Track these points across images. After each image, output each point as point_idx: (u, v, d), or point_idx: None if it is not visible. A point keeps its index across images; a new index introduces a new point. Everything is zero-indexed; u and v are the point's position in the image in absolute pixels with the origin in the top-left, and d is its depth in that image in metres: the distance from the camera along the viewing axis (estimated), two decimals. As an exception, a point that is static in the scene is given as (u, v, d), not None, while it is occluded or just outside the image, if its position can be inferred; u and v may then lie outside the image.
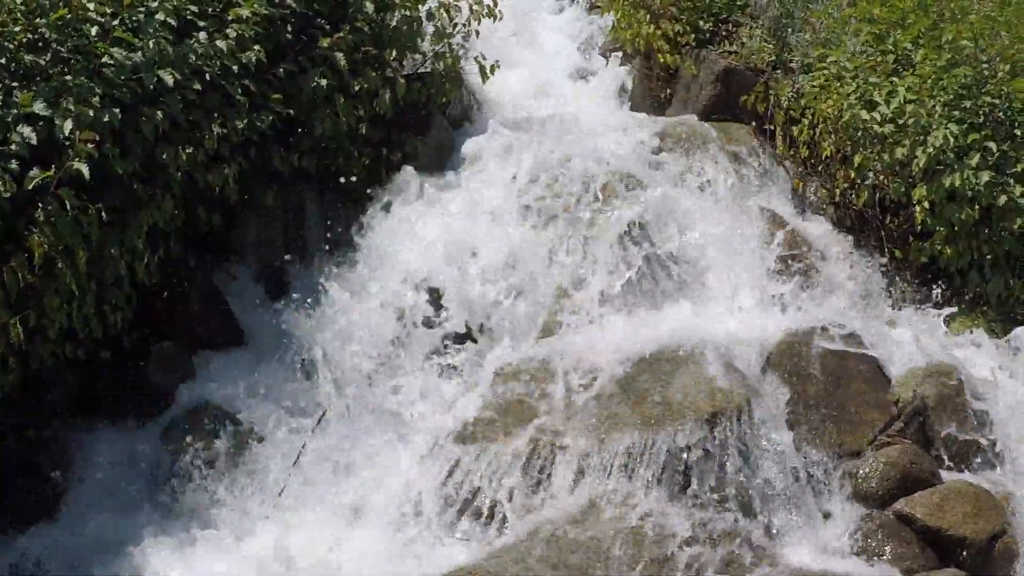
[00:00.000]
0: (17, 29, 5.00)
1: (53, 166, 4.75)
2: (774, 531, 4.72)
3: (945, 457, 5.24)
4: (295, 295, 5.76)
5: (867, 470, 4.97)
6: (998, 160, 6.14)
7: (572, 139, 6.46)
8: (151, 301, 5.49)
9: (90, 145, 4.78)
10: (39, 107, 4.80)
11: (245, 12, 5.70)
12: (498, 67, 6.89)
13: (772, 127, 6.90)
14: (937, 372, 5.38)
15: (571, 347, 5.27)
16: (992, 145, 6.13)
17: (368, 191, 6.22)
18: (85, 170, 4.76)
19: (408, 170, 6.25)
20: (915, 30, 6.64)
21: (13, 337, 4.66)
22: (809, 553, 4.69)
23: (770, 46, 7.25)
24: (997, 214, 6.11)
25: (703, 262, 6.00)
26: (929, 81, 6.37)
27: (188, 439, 5.16)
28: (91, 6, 5.22)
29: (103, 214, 4.93)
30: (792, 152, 6.82)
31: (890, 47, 6.71)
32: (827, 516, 4.84)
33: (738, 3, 7.62)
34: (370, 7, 6.34)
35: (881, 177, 6.40)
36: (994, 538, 4.85)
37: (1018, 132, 6.26)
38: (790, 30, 7.32)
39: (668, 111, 7.55)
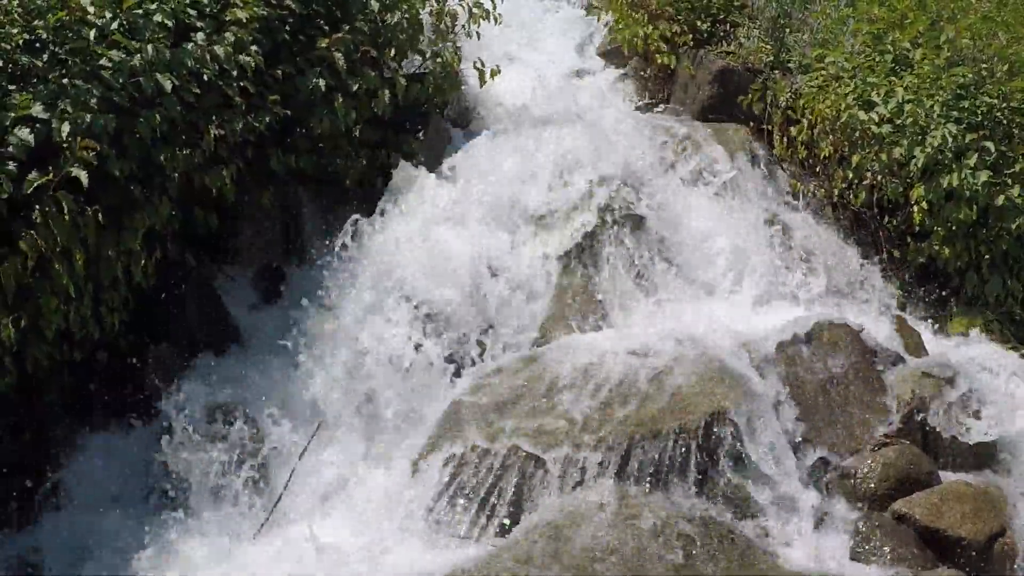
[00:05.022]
0: (15, 31, 4.99)
1: (50, 168, 4.75)
2: (772, 532, 4.71)
3: (943, 457, 5.24)
4: (292, 296, 5.75)
5: (865, 470, 4.97)
6: (996, 160, 6.15)
7: (570, 138, 6.45)
8: (148, 303, 5.47)
9: (91, 153, 4.78)
10: (37, 110, 4.80)
11: (243, 15, 5.69)
12: (498, 72, 6.89)
13: (770, 127, 6.90)
14: (935, 372, 5.39)
15: (569, 346, 5.27)
16: (990, 145, 6.13)
17: (365, 192, 6.22)
18: (83, 177, 4.76)
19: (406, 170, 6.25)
20: (913, 30, 6.64)
21: (8, 338, 4.65)
22: (807, 554, 4.68)
23: (768, 46, 7.26)
24: (995, 214, 6.11)
25: (701, 263, 6.01)
26: (927, 81, 6.37)
27: (184, 441, 5.15)
28: (90, 8, 5.21)
29: (100, 216, 4.92)
30: (790, 152, 6.82)
31: (888, 47, 6.71)
32: (825, 516, 4.84)
33: (735, 3, 7.62)
34: (375, 5, 6.33)
35: (879, 177, 6.40)
36: (993, 538, 4.85)
37: (1016, 132, 6.27)
38: (788, 30, 7.33)
39: (666, 111, 7.55)
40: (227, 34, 5.62)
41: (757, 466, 4.79)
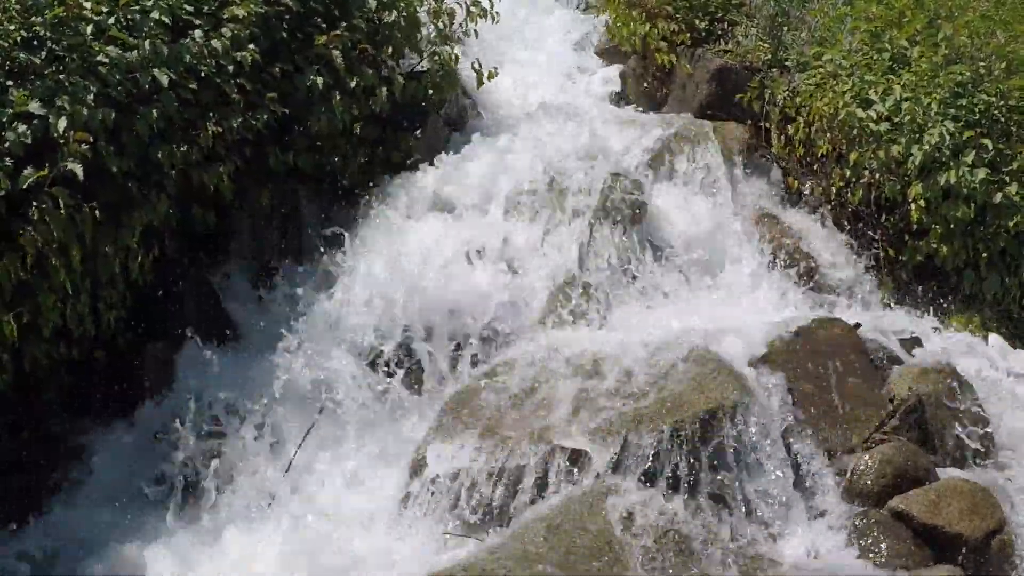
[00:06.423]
0: (12, 27, 5.00)
1: (47, 164, 4.75)
2: (768, 529, 4.71)
3: (941, 454, 5.23)
4: (289, 294, 5.75)
5: (862, 467, 4.95)
6: (994, 158, 6.15)
7: (568, 137, 6.46)
8: (146, 300, 5.48)
9: (84, 146, 4.78)
10: (34, 106, 4.80)
11: (241, 12, 5.69)
12: (496, 74, 6.89)
13: (768, 125, 6.91)
14: (933, 369, 5.37)
15: (566, 343, 5.27)
16: (988, 143, 6.13)
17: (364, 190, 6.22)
18: (79, 170, 4.76)
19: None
20: (911, 28, 6.65)
21: (7, 335, 4.65)
22: (804, 551, 4.67)
23: (766, 45, 7.27)
24: (993, 212, 6.11)
25: (698, 260, 6.01)
26: (925, 79, 6.38)
27: (182, 438, 5.15)
28: (87, 5, 5.22)
29: (97, 212, 4.93)
30: (788, 151, 6.83)
31: (886, 45, 6.72)
32: (822, 514, 4.83)
33: (733, 2, 7.63)
34: (373, 3, 6.34)
35: (877, 175, 6.41)
36: (991, 535, 4.83)
37: (1014, 130, 6.27)
38: (786, 29, 7.35)
39: (664, 110, 7.57)
40: (224, 30, 5.62)
41: (753, 463, 4.79)
